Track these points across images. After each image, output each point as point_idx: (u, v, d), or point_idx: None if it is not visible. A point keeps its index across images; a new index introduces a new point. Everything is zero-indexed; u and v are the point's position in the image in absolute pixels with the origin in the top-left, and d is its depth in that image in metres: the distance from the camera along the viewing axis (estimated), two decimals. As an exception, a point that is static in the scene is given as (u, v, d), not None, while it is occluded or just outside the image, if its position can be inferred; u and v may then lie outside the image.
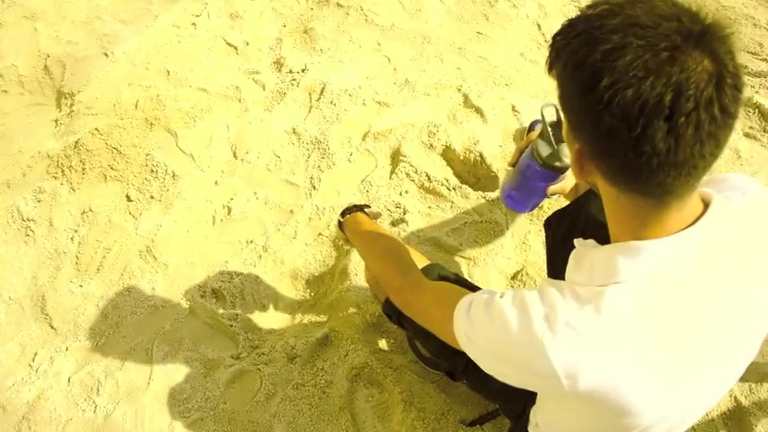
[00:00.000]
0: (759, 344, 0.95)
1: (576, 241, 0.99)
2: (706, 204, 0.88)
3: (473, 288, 1.46)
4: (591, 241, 0.96)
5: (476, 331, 0.95)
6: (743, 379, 1.86)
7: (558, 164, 1.34)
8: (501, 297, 0.93)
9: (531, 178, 1.44)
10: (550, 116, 1.32)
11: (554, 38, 0.82)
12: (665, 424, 0.92)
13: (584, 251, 0.94)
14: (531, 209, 1.64)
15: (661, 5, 0.74)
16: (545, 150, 1.33)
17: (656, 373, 0.84)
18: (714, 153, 0.75)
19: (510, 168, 1.55)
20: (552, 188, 1.49)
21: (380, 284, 1.41)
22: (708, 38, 0.71)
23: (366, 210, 1.60)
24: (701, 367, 0.89)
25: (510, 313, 0.88)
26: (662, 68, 0.70)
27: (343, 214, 1.58)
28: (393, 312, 1.49)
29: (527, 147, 1.43)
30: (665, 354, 0.84)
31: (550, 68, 0.83)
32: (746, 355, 0.95)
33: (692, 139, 0.71)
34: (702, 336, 0.87)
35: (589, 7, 0.79)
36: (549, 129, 1.31)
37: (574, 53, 0.77)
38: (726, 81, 0.71)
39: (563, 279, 0.95)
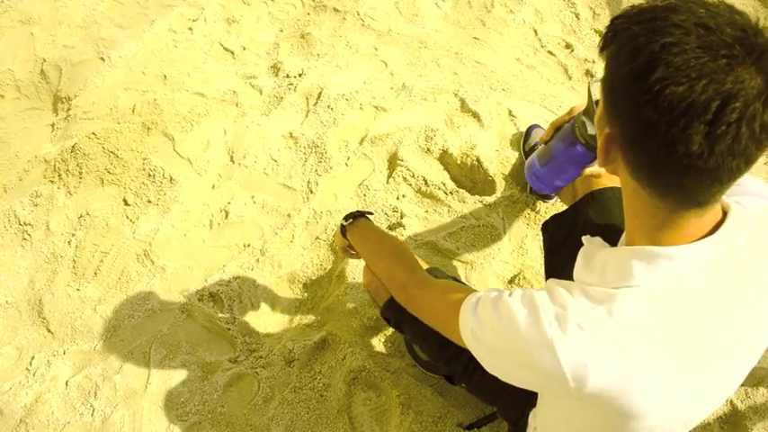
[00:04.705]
0: (761, 353, 0.96)
1: (584, 238, 0.99)
2: (724, 212, 0.87)
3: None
4: (598, 239, 0.97)
5: (483, 328, 0.95)
6: (739, 383, 1.87)
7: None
8: (510, 295, 0.93)
9: (567, 157, 1.36)
10: (597, 94, 1.22)
11: (613, 20, 0.81)
12: (668, 427, 0.92)
13: (593, 250, 0.94)
14: (556, 190, 1.54)
15: (726, 13, 0.73)
16: (591, 129, 1.26)
17: (664, 379, 0.84)
18: (741, 169, 0.75)
19: (543, 145, 1.48)
20: (590, 170, 1.41)
21: (384, 284, 1.41)
22: (766, 57, 0.71)
23: (368, 216, 1.61)
24: (707, 375, 0.89)
25: (519, 312, 0.88)
26: (716, 74, 0.69)
27: (346, 219, 1.58)
28: (392, 316, 1.50)
29: (565, 123, 1.38)
30: (674, 360, 0.84)
31: (603, 48, 0.82)
32: (748, 363, 0.96)
33: (727, 149, 0.71)
34: (710, 345, 0.87)
35: None
36: (596, 106, 1.23)
37: (633, 38, 0.76)
38: None
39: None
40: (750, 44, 0.70)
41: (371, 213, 1.63)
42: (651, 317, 0.83)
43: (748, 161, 0.74)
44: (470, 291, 1.07)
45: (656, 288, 0.84)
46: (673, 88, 0.70)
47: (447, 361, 1.48)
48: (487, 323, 0.94)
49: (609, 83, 0.82)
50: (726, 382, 0.95)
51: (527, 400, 1.27)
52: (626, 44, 0.77)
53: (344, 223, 1.57)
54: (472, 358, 1.41)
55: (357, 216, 1.58)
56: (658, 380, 0.84)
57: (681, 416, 0.92)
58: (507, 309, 0.90)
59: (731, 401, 1.84)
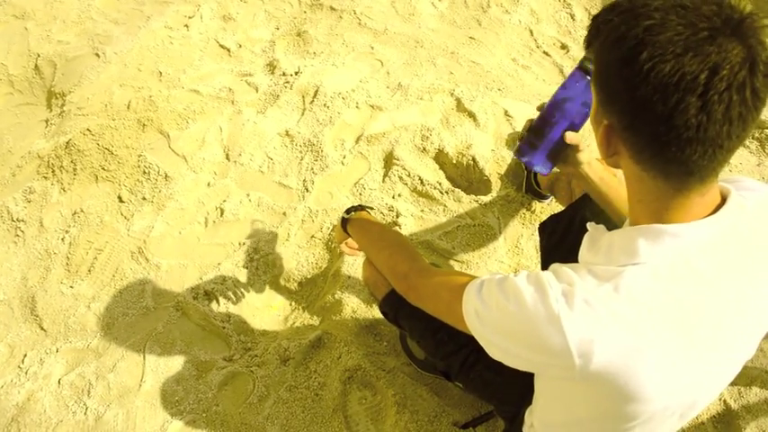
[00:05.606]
0: (756, 343, 0.96)
1: (589, 225, 1.01)
2: (724, 198, 0.89)
3: None
4: (602, 226, 0.98)
5: (487, 308, 0.94)
6: (732, 383, 1.88)
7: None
8: (516, 275, 0.93)
9: (565, 96, 1.47)
10: None
11: (594, 17, 0.86)
12: (667, 415, 0.92)
13: (598, 234, 0.96)
14: (548, 166, 1.49)
15: None
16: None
17: (668, 359, 0.84)
18: (740, 136, 0.77)
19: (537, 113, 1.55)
20: (570, 136, 1.43)
21: (384, 275, 1.40)
22: (745, 26, 0.74)
23: (369, 210, 1.61)
24: (707, 358, 0.89)
25: (526, 289, 0.88)
26: (700, 47, 0.73)
27: (347, 212, 1.59)
28: (390, 310, 1.49)
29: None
30: (679, 340, 0.85)
31: (589, 44, 0.88)
32: (745, 352, 0.96)
33: (722, 117, 0.74)
34: (711, 326, 0.88)
35: None
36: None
37: (616, 28, 0.80)
38: (759, 67, 0.74)
39: None
40: (726, 16, 0.74)
41: (372, 208, 1.63)
42: (657, 294, 0.84)
43: (745, 127, 0.77)
44: (473, 276, 1.07)
45: (661, 265, 0.85)
46: (661, 66, 0.74)
47: (444, 357, 1.48)
48: (492, 302, 0.93)
49: (600, 74, 0.85)
50: (725, 370, 0.96)
51: (524, 396, 1.27)
52: (610, 34, 0.80)
53: (345, 216, 1.57)
54: (470, 354, 1.42)
55: (358, 209, 1.58)
56: (663, 359, 0.84)
57: (680, 404, 0.92)
58: (514, 287, 0.90)
59: (724, 401, 1.85)
